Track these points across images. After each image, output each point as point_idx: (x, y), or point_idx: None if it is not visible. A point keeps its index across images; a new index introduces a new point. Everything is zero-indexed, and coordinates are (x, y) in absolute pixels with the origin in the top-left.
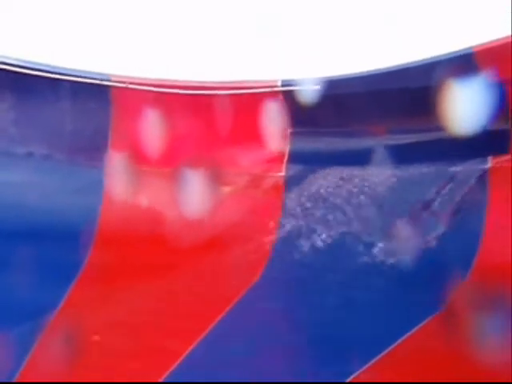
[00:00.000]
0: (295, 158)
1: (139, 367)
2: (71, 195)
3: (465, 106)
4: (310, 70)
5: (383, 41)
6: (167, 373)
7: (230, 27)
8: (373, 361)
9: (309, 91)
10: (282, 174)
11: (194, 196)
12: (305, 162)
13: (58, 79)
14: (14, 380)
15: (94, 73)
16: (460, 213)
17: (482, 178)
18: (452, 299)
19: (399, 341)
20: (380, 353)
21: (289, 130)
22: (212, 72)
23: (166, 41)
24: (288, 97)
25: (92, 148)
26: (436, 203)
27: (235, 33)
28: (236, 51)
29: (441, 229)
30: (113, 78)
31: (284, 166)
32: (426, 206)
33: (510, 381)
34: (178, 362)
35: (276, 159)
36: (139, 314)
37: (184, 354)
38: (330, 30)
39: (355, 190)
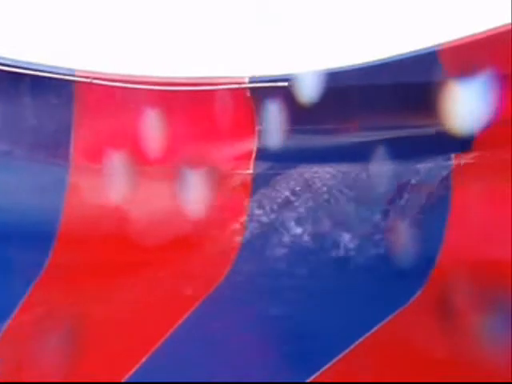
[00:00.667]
0: (263, 155)
1: (102, 368)
2: (32, 193)
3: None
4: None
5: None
6: (130, 373)
7: (229, 20)
8: (340, 355)
9: (277, 87)
10: (250, 171)
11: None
12: (273, 159)
13: (18, 73)
14: None
15: (56, 67)
16: (423, 210)
17: (445, 175)
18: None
19: (367, 334)
20: (348, 346)
21: (257, 127)
22: (207, 67)
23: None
24: (256, 93)
25: (54, 145)
26: (399, 200)
27: (234, 25)
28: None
29: (405, 225)
30: (77, 73)
31: (252, 163)
32: (390, 202)
33: (509, 381)
34: (142, 362)
35: (244, 157)
36: (103, 313)
37: (148, 354)
38: (327, 23)
39: (324, 187)
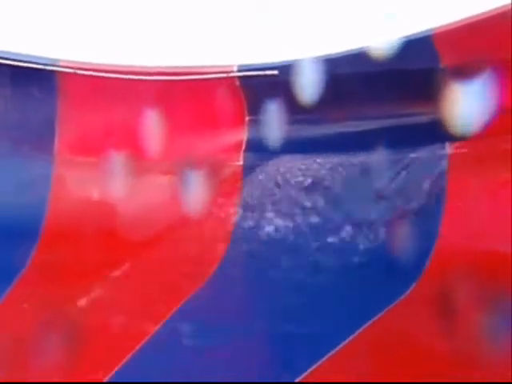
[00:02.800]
0: (253, 146)
1: (82, 368)
2: (16, 189)
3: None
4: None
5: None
6: (112, 372)
7: (229, 16)
8: (336, 348)
9: (268, 76)
10: (240, 163)
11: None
12: (264, 150)
13: None
14: None
15: (39, 57)
16: (417, 200)
17: (441, 165)
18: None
19: (359, 330)
20: (344, 339)
21: (246, 118)
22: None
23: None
24: (245, 82)
25: (38, 139)
26: (391, 190)
27: (235, 21)
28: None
29: (400, 217)
30: (61, 63)
31: (242, 154)
32: (381, 192)
33: (510, 381)
34: (125, 360)
35: (234, 148)
36: (87, 311)
37: (132, 352)
38: (332, 20)
39: (314, 178)
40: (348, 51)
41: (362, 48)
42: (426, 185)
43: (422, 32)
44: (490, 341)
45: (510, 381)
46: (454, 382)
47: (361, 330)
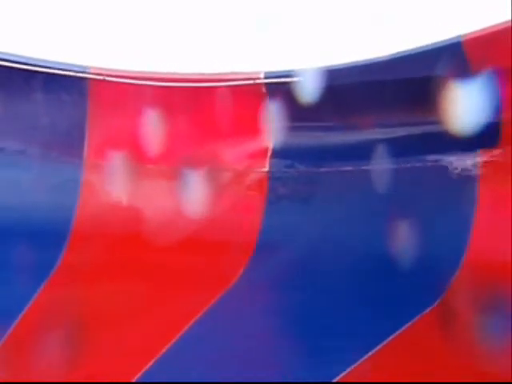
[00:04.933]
0: (279, 153)
1: (112, 367)
2: (46, 192)
3: (460, 101)
4: (306, 61)
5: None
6: (141, 372)
7: (229, 23)
8: (365, 356)
9: (295, 83)
10: (266, 169)
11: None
12: (288, 157)
13: (31, 71)
14: None
15: (70, 64)
16: (448, 208)
17: (472, 171)
18: (445, 296)
19: (392, 336)
20: (372, 348)
21: (271, 125)
22: (206, 65)
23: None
24: (272, 89)
25: (68, 143)
26: (425, 197)
27: (235, 28)
28: (231, 44)
29: (432, 222)
30: (91, 70)
31: (267, 161)
32: (416, 199)
33: (509, 381)
34: (153, 361)
35: (259, 154)
36: (114, 313)
37: (159, 354)
38: (330, 25)
39: (345, 186)
40: (374, 58)
41: (389, 54)
42: (457, 192)
43: (451, 38)
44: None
45: (510, 381)
46: (454, 381)
47: (397, 333)
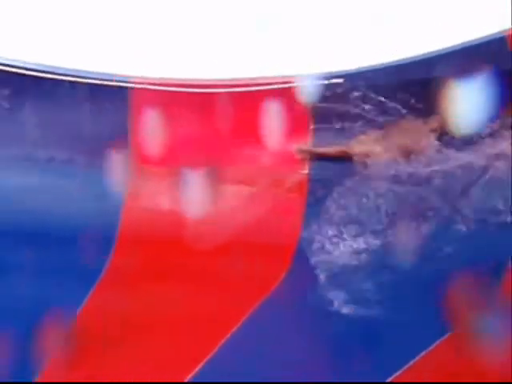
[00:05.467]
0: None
1: (156, 371)
2: (92, 200)
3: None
4: (313, 66)
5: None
6: (190, 375)
7: (229, 24)
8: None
9: (322, 87)
10: (306, 172)
11: (197, 196)
12: (328, 158)
13: (75, 82)
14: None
15: (111, 74)
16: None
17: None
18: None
19: (416, 358)
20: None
21: (311, 126)
22: (214, 70)
23: (169, 40)
24: (305, 93)
25: (112, 151)
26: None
27: (235, 29)
28: (236, 48)
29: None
30: (132, 80)
31: (307, 164)
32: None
33: (509, 381)
34: (198, 366)
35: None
36: (160, 316)
37: (205, 358)
38: (330, 27)
39: (386, 189)
40: (416, 56)
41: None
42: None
43: (496, 33)
44: None
45: (510, 381)
46: (454, 381)
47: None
